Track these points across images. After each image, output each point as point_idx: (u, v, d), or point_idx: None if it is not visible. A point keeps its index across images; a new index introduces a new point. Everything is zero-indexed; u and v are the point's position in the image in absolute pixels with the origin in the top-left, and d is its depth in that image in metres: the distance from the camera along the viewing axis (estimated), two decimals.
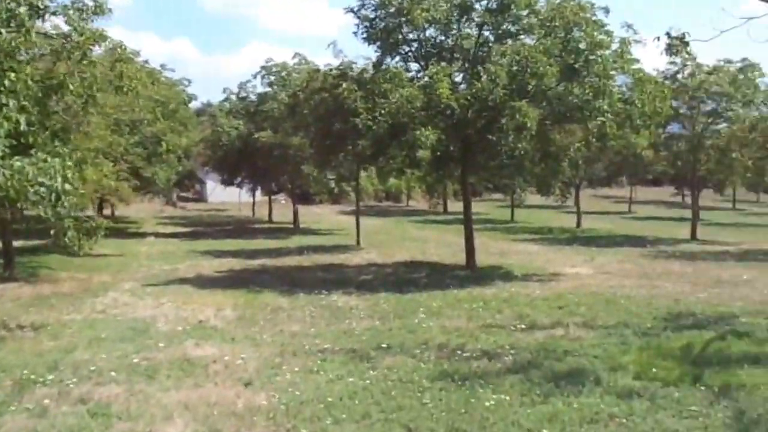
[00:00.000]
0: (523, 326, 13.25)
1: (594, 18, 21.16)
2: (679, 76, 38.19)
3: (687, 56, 12.58)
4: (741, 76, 38.41)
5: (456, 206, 53.02)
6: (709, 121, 40.41)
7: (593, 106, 20.42)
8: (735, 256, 29.51)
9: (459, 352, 11.00)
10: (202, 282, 20.49)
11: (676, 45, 12.65)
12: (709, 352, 10.37)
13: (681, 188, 73.73)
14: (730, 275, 22.14)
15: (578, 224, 48.42)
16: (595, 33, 20.78)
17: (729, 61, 39.14)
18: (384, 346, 11.52)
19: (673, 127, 41.18)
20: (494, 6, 21.76)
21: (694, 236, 39.94)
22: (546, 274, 22.32)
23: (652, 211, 70.70)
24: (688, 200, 75.89)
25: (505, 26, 22.03)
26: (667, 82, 32.01)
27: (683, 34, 12.57)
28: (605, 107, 20.46)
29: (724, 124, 40.34)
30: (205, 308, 15.63)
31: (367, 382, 9.40)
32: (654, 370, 9.19)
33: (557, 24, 20.77)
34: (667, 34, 12.64)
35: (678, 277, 21.84)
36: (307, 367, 10.25)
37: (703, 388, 8.52)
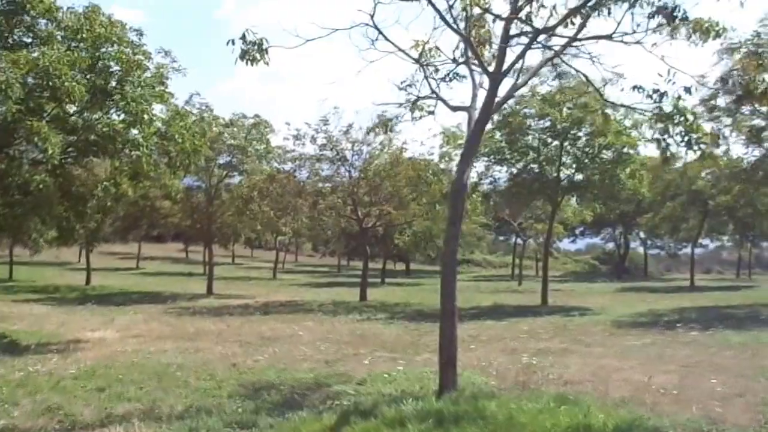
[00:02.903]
0: (60, 426, 9.18)
1: (127, 38, 18.13)
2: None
3: (266, 65, 10.32)
4: (254, 131, 39.10)
5: None
6: (225, 173, 40.25)
7: (126, 138, 17.20)
8: (259, 310, 29.26)
9: None
10: None
11: (253, 51, 10.34)
12: None
13: (188, 243, 73.61)
14: (270, 330, 20.92)
15: (88, 281, 43.56)
16: (130, 52, 17.68)
17: (244, 116, 39.62)
18: None
19: (188, 180, 39.89)
20: (3, 7, 17.10)
21: (210, 291, 38.98)
22: (65, 342, 17.90)
23: (159, 266, 68.74)
24: (192, 256, 76.14)
25: (17, 34, 17.46)
26: None
27: (261, 39, 10.31)
28: (140, 140, 17.37)
29: (239, 177, 40.56)
30: None
31: None
32: None
33: (85, 36, 17.10)
34: (243, 37, 10.25)
35: (217, 336, 19.63)
36: None
37: None
